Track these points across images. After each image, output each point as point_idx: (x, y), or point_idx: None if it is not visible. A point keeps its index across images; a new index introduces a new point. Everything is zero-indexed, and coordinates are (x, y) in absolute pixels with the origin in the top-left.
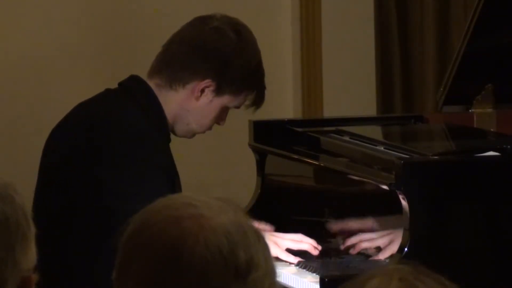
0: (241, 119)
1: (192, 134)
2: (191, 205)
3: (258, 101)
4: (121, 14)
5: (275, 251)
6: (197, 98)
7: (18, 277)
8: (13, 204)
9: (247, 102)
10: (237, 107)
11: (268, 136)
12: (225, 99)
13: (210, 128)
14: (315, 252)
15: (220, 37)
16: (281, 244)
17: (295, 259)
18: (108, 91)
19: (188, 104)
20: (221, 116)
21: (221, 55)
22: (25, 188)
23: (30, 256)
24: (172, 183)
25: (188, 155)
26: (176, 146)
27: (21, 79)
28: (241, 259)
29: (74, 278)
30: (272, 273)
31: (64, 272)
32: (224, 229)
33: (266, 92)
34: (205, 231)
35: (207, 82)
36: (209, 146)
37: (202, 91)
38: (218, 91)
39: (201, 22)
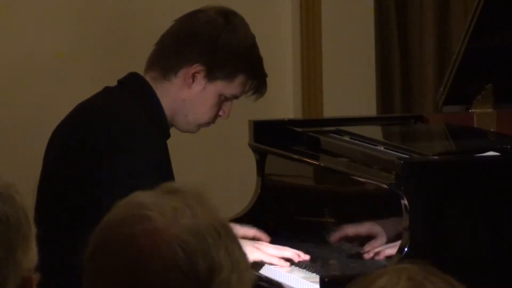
0: (241, 119)
1: (194, 127)
2: (144, 217)
3: (258, 89)
4: (121, 14)
5: (258, 255)
6: (190, 86)
7: (19, 277)
8: (14, 205)
9: (247, 89)
10: (236, 96)
11: (268, 136)
12: (218, 85)
13: (212, 119)
14: (297, 259)
15: (206, 23)
16: (265, 250)
17: (279, 261)
18: (107, 89)
19: (182, 93)
20: (220, 106)
21: (208, 38)
22: (26, 188)
23: (31, 256)
24: (164, 180)
25: (188, 155)
26: (177, 145)
27: (22, 80)
28: (201, 268)
29: (75, 278)
30: (238, 264)
31: (65, 272)
32: (179, 240)
33: (267, 80)
34: (160, 248)
35: (196, 67)
36: (209, 146)
37: (194, 77)
38: (210, 76)
39: (191, 14)
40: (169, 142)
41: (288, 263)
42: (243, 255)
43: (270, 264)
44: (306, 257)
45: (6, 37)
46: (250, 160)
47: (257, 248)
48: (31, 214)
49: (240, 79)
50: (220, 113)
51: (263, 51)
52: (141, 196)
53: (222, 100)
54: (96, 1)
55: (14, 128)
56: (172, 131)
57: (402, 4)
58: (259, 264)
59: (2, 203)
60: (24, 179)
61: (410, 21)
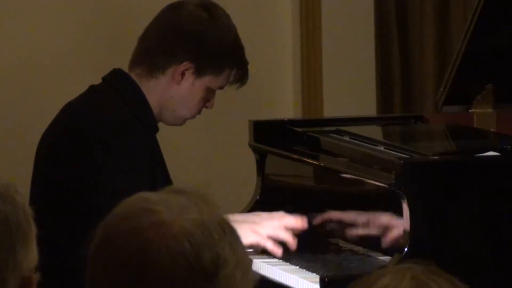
0: (241, 119)
1: (181, 121)
2: (151, 211)
3: (241, 78)
4: (122, 14)
5: (254, 238)
6: (178, 83)
7: (19, 277)
8: (14, 204)
9: (231, 80)
10: (221, 87)
11: (268, 136)
12: (206, 80)
13: (198, 112)
14: (294, 245)
15: (192, 19)
16: (261, 232)
17: (278, 249)
18: (92, 88)
19: (171, 90)
20: (207, 98)
21: (195, 36)
22: (25, 188)
23: (31, 256)
24: (152, 177)
25: (188, 154)
26: (177, 145)
27: (22, 80)
28: (207, 261)
29: (74, 277)
30: (242, 262)
31: (65, 271)
32: (186, 233)
33: (249, 67)
34: (167, 239)
35: (185, 64)
36: (209, 146)
37: (183, 74)
38: (199, 73)
39: (172, 8)
40: (169, 142)
41: (281, 251)
42: (247, 254)
43: (265, 247)
44: (304, 222)
45: (6, 37)
46: (250, 160)
47: (253, 231)
48: (31, 214)
49: (226, 71)
50: (207, 104)
51: (263, 51)
52: (147, 194)
53: (208, 92)
54: (97, 1)
55: (14, 128)
56: (171, 130)
57: (402, 4)
58: (258, 266)
59: (2, 203)
60: (24, 179)
61: (410, 21)
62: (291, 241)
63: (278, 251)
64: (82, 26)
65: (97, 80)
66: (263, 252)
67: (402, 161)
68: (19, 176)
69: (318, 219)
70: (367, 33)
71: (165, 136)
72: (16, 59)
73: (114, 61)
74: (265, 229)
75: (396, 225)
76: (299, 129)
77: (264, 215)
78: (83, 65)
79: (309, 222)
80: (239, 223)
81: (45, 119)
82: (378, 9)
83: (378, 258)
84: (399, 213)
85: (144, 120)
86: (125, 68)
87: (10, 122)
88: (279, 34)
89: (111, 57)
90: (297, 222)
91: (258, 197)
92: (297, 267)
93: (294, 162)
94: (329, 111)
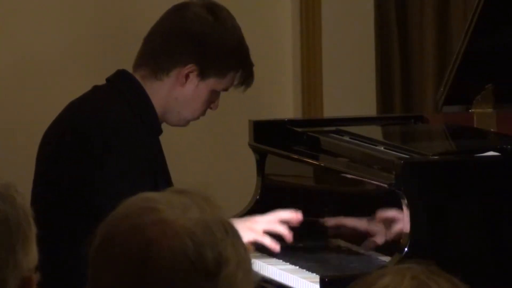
0: (241, 119)
1: (185, 122)
2: (153, 210)
3: (246, 80)
4: (124, 14)
5: (251, 235)
6: (183, 85)
7: (19, 277)
8: (14, 204)
9: (236, 82)
10: (225, 89)
11: (268, 136)
12: (211, 82)
13: (203, 113)
14: (290, 238)
15: (196, 21)
16: (256, 228)
17: (275, 244)
18: (95, 88)
19: (175, 92)
20: (211, 100)
21: (199, 38)
22: (26, 188)
23: (31, 256)
24: (154, 178)
25: (188, 155)
26: (177, 145)
27: (22, 79)
28: (209, 259)
29: (74, 277)
30: (244, 262)
31: (65, 271)
32: (188, 231)
33: (254, 69)
34: (169, 237)
35: (189, 67)
36: (209, 146)
37: (187, 76)
38: (203, 75)
39: (178, 9)
40: (169, 142)
41: (279, 247)
42: (248, 255)
43: (262, 243)
44: (299, 215)
45: (6, 37)
46: (250, 160)
47: (249, 228)
48: (31, 214)
49: (231, 74)
50: (211, 106)
51: (263, 51)
52: (149, 194)
53: (213, 95)
54: (99, 1)
55: (14, 128)
56: (171, 130)
57: (402, 4)
58: (259, 266)
59: (3, 203)
60: (24, 179)
61: (410, 21)
62: (287, 234)
63: (276, 246)
64: (83, 26)
65: (98, 81)
66: (262, 248)
67: (402, 161)
68: (19, 176)
69: (318, 222)
70: (367, 33)
71: (166, 136)
72: (16, 59)
73: (116, 61)
74: (260, 225)
75: (396, 223)
76: (299, 129)
77: (259, 218)
78: (83, 65)
79: (309, 223)
80: (234, 222)
81: (45, 119)
82: (378, 9)
83: (378, 258)
84: (399, 213)
85: (146, 121)
86: (129, 69)
87: (10, 122)
88: (279, 34)
89: (112, 58)
90: (292, 215)
91: (258, 197)
92: (297, 267)
93: (294, 162)
94: (329, 111)
